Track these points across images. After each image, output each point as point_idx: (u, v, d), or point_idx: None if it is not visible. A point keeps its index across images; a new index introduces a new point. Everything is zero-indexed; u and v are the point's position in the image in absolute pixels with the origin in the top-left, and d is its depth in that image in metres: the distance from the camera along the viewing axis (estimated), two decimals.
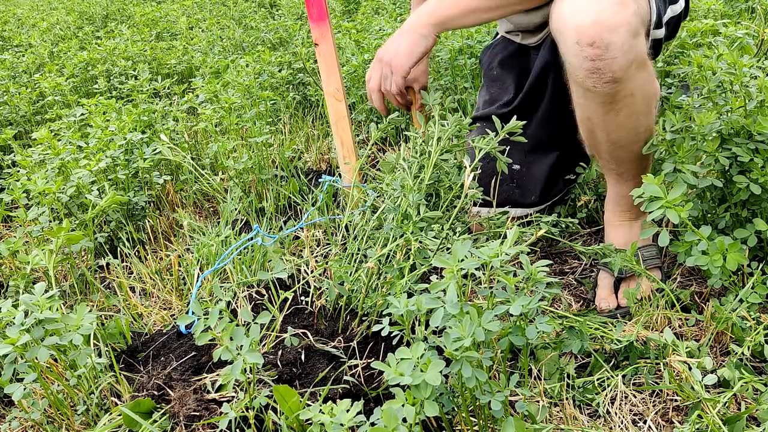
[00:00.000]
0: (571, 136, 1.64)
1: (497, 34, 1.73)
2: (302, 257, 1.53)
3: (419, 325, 1.01)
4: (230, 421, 1.01)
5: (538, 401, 1.06)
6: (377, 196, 1.53)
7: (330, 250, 1.56)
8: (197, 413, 1.04)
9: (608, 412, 1.05)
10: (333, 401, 1.04)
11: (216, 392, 1.08)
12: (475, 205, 1.55)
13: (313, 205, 1.79)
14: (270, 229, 1.75)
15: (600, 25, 1.10)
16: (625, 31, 1.10)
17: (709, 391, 1.06)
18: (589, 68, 1.13)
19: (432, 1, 1.37)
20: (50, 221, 1.72)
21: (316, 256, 1.56)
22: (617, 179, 1.36)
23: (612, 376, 1.10)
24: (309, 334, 1.21)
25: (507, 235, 0.95)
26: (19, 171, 2.01)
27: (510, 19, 1.59)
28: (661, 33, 1.38)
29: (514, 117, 1.31)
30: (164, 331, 1.33)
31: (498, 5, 1.32)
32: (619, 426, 1.03)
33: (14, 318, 1.06)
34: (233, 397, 1.07)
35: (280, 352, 1.15)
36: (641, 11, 1.17)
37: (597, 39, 1.10)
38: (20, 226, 1.90)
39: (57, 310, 1.09)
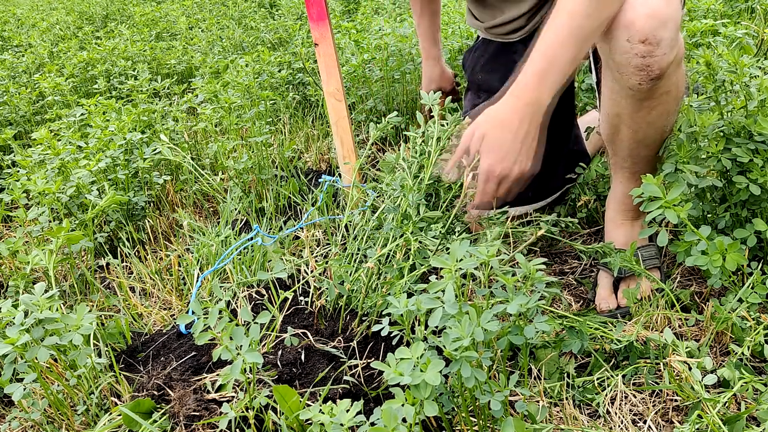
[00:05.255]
0: (566, 132, 1.63)
1: (478, 37, 1.72)
2: (302, 257, 1.53)
3: (419, 325, 1.01)
4: (230, 421, 1.01)
5: (537, 401, 1.06)
6: (377, 196, 1.53)
7: (330, 250, 1.56)
8: (197, 413, 1.04)
9: (608, 412, 1.05)
10: (333, 401, 1.05)
11: (216, 392, 1.08)
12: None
13: (313, 205, 1.79)
14: (270, 229, 1.75)
15: (653, 20, 1.07)
16: (673, 26, 1.09)
17: (709, 391, 1.06)
18: (638, 65, 1.11)
19: (529, 77, 1.13)
20: (50, 221, 1.72)
21: (316, 256, 1.56)
22: (628, 177, 1.34)
23: (612, 376, 1.10)
24: (309, 334, 1.21)
25: (497, 235, 0.95)
26: (19, 171, 2.01)
27: (502, 8, 1.57)
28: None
29: None
30: (164, 331, 1.33)
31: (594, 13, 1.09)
32: (619, 426, 1.03)
33: (14, 318, 1.06)
34: (233, 397, 1.07)
35: (280, 352, 1.15)
36: (681, 2, 1.14)
37: (649, 35, 1.08)
38: (20, 226, 1.90)
39: (57, 310, 1.09)
